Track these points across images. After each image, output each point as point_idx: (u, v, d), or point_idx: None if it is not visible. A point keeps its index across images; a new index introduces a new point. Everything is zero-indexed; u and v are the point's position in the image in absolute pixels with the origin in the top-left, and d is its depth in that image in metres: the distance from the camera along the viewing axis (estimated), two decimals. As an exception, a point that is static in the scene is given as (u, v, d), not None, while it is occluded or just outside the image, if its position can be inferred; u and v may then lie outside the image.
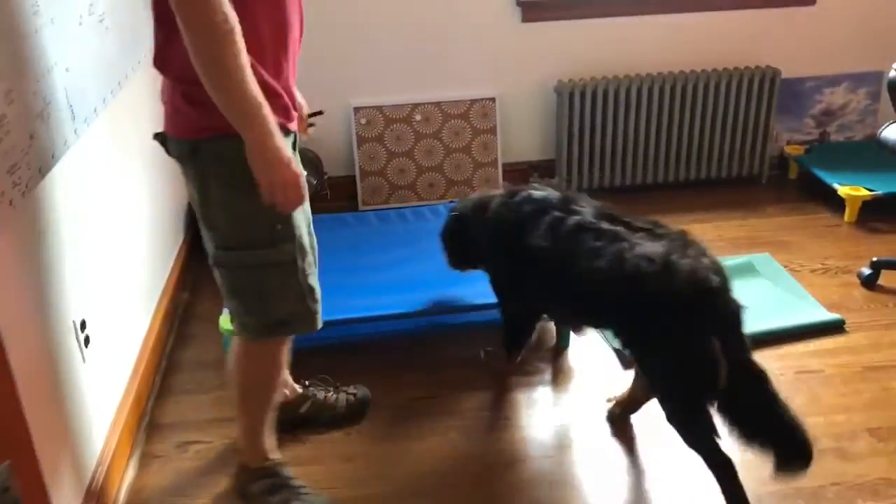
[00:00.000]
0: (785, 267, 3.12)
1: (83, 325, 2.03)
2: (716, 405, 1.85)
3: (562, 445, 2.29)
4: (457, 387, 2.52)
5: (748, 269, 3.05)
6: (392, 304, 2.58)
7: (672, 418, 1.95)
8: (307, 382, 2.39)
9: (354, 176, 3.71)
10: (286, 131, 1.73)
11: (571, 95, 3.64)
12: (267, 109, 1.56)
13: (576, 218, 2.09)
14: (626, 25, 3.68)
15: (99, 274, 2.18)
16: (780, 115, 3.89)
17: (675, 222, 3.47)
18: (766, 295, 2.91)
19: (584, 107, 3.66)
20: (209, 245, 1.83)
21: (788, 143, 3.98)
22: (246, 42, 1.51)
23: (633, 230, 2.02)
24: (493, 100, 3.69)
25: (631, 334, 1.99)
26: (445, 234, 2.60)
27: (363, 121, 3.65)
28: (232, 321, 1.95)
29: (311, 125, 2.04)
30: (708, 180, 3.88)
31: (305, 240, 1.84)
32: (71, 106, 1.99)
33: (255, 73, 1.55)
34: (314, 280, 1.89)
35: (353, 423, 2.37)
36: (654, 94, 3.67)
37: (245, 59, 1.51)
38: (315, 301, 1.90)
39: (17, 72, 1.69)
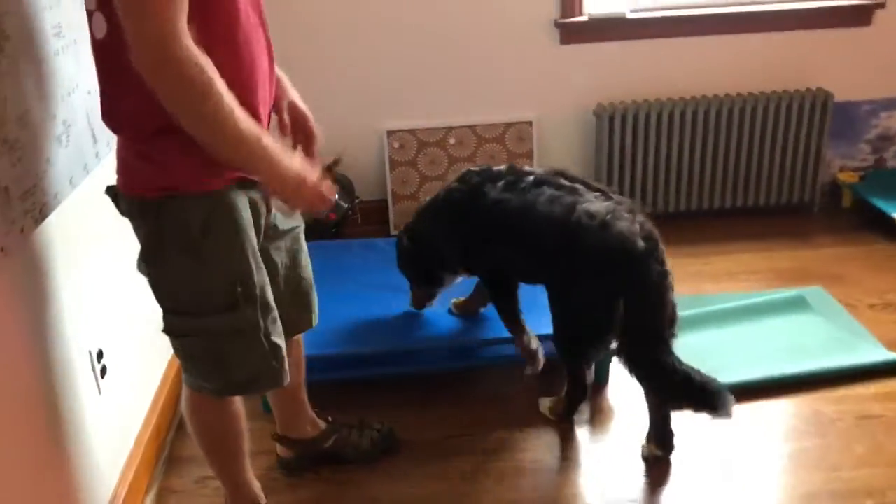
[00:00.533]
0: (840, 302, 2.94)
1: (100, 356, 1.96)
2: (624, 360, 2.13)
3: (601, 490, 2.16)
4: (491, 425, 2.40)
5: (800, 304, 2.89)
6: (422, 335, 2.48)
7: (559, 351, 2.30)
8: (331, 418, 2.29)
9: (386, 200, 3.62)
10: (249, 183, 1.61)
11: (611, 119, 3.52)
12: (266, 137, 1.48)
13: (532, 177, 2.23)
14: (668, 47, 3.56)
15: (116, 302, 2.11)
16: (833, 141, 3.71)
17: (720, 251, 3.43)
18: (820, 332, 2.75)
19: (624, 130, 3.53)
20: (161, 307, 1.67)
21: (841, 169, 3.81)
22: None
23: (590, 189, 2.20)
24: (529, 123, 3.59)
25: (552, 276, 2.20)
26: (400, 258, 2.55)
27: (396, 144, 3.57)
28: (185, 379, 1.78)
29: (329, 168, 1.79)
30: (756, 208, 3.72)
31: (268, 291, 1.68)
32: (92, 129, 1.93)
33: None
34: (277, 335, 1.71)
35: (379, 461, 2.27)
36: (699, 117, 3.54)
37: (229, 99, 1.39)
38: (280, 358, 1.72)
39: (36, 94, 1.63)
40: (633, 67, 3.57)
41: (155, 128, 1.47)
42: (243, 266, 1.61)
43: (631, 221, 2.06)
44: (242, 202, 1.61)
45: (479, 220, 2.27)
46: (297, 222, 1.91)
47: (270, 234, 1.78)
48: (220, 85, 1.37)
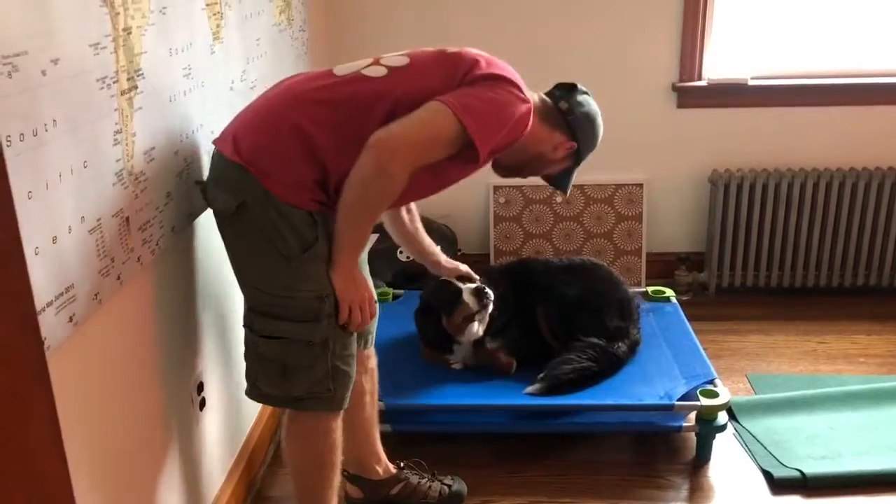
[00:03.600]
0: (971, 395, 2.71)
1: (200, 388, 2.00)
2: None
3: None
4: (577, 495, 2.31)
5: (926, 394, 2.68)
6: (511, 393, 2.42)
7: None
8: (402, 464, 2.27)
9: (489, 254, 3.61)
10: None
11: (727, 186, 3.41)
12: (361, 251, 1.77)
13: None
14: (790, 116, 3.44)
15: (219, 337, 2.15)
16: (967, 222, 3.48)
17: (837, 331, 3.24)
18: (948, 426, 2.53)
19: (739, 199, 3.42)
20: (245, 302, 1.81)
21: (975, 253, 3.55)
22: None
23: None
24: (640, 186, 3.52)
25: None
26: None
27: (502, 200, 3.56)
28: (248, 385, 1.86)
29: None
30: (879, 288, 3.51)
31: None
32: (211, 167, 2.00)
33: None
34: (346, 363, 1.80)
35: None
36: (820, 190, 3.39)
37: (379, 212, 1.75)
38: (339, 385, 1.79)
39: (163, 131, 1.70)
40: (751, 135, 3.47)
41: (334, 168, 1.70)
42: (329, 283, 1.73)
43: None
44: None
45: None
46: None
47: None
48: (394, 197, 1.69)
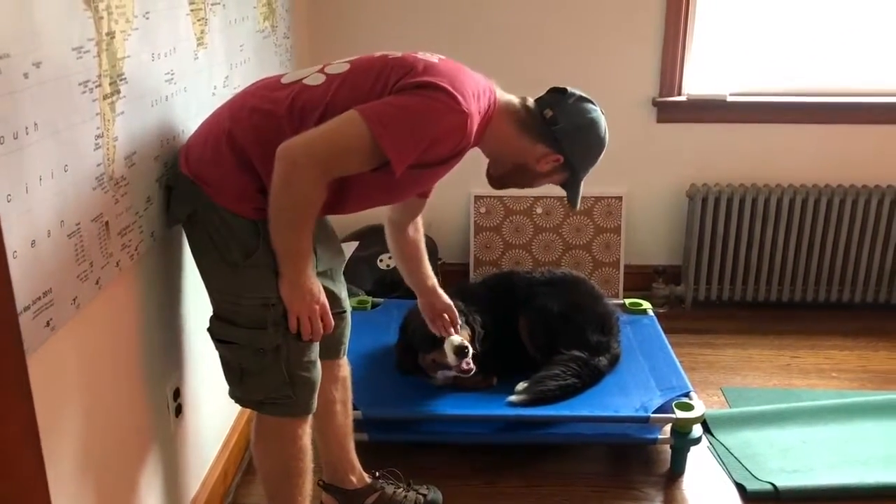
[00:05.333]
0: (942, 410, 2.75)
1: (176, 394, 1.98)
2: None
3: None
4: (553, 504, 2.31)
5: (896, 409, 2.72)
6: (489, 404, 2.42)
7: None
8: (377, 473, 2.26)
9: (468, 264, 3.62)
10: None
11: (705, 200, 3.45)
12: (310, 258, 1.70)
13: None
14: (768, 133, 3.49)
15: (196, 343, 2.14)
16: (939, 240, 3.54)
17: (810, 346, 3.28)
18: (918, 441, 2.57)
19: (717, 213, 3.46)
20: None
21: (947, 270, 3.62)
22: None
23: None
24: (619, 198, 3.55)
25: None
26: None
27: (482, 210, 3.58)
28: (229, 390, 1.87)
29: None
30: (852, 304, 3.56)
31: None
32: (192, 173, 1.99)
33: None
34: (305, 369, 1.79)
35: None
36: (796, 206, 3.43)
37: (313, 220, 1.66)
38: (300, 391, 1.79)
39: (144, 136, 1.70)
40: (730, 150, 3.51)
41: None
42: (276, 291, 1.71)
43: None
44: None
45: None
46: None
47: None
48: (313, 209, 1.63)
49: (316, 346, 1.82)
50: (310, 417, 1.87)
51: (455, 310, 2.33)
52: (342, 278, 2.06)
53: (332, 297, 1.91)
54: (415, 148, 1.63)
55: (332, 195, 1.68)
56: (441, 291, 2.29)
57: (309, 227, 1.66)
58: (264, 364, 1.75)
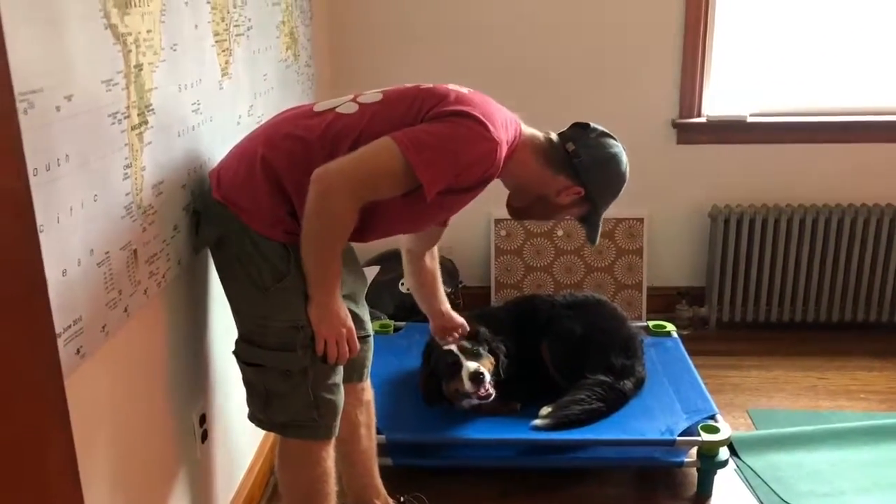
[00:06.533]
0: (972, 432, 2.70)
1: (202, 420, 2.00)
2: None
3: None
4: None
5: (928, 431, 2.68)
6: (513, 428, 2.41)
7: None
8: (402, 499, 2.27)
9: (489, 287, 3.62)
10: None
11: (727, 221, 3.44)
12: (339, 281, 1.73)
13: None
14: (789, 153, 3.48)
15: (222, 370, 2.16)
16: (966, 258, 3.50)
17: (837, 367, 3.24)
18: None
19: (739, 234, 3.44)
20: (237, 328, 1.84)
21: (975, 289, 3.57)
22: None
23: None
24: (640, 220, 3.55)
25: None
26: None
27: (503, 233, 3.59)
28: (249, 413, 1.88)
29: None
30: (878, 324, 3.52)
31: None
32: (218, 201, 2.02)
33: None
34: (330, 392, 1.81)
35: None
36: (819, 225, 3.41)
37: (343, 243, 1.71)
38: (325, 414, 1.80)
39: (171, 165, 1.73)
40: (750, 171, 3.50)
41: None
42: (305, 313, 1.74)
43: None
44: None
45: None
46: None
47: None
48: (345, 232, 1.67)
49: (340, 370, 1.84)
50: (333, 441, 1.87)
51: (466, 325, 2.35)
52: (365, 302, 2.08)
53: (356, 320, 1.93)
54: (447, 173, 1.67)
55: (357, 222, 1.70)
56: (454, 313, 2.32)
57: (339, 250, 1.70)
58: (290, 386, 1.76)
